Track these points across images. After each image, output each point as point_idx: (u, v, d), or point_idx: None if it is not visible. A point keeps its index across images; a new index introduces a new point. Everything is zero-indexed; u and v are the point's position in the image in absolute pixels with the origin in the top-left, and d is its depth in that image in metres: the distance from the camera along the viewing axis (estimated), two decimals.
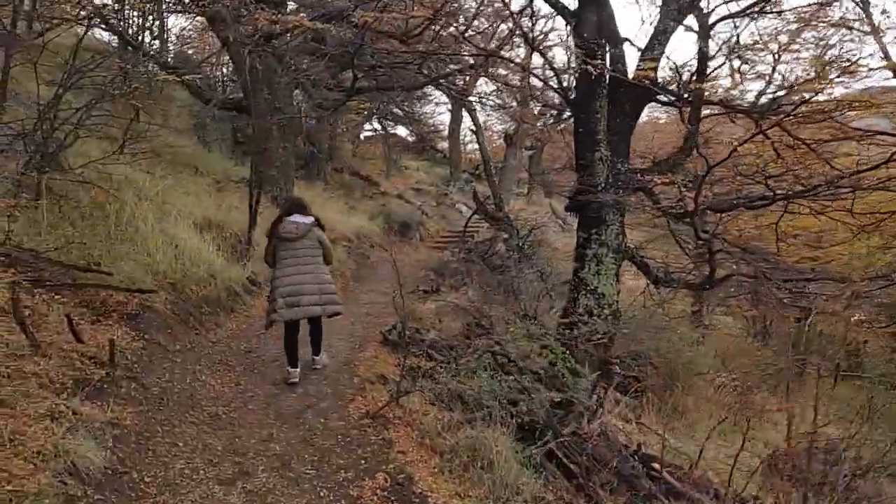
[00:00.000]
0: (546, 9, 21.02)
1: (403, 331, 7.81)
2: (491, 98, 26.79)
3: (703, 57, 8.06)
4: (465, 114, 32.41)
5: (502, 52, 12.62)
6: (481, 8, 14.09)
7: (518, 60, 10.14)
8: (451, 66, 17.75)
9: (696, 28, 8.40)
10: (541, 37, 17.74)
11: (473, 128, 23.74)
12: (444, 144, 38.33)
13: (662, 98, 8.71)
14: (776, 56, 8.28)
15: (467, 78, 18.74)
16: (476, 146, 40.80)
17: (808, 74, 7.49)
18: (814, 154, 8.01)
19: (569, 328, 7.97)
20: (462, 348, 9.06)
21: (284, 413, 6.18)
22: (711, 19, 8.33)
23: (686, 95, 8.38)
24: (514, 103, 31.61)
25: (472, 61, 16.53)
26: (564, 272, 17.97)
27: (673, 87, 8.46)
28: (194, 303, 8.40)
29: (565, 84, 9.63)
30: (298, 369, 6.91)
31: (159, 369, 6.55)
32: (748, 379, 12.71)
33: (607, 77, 8.08)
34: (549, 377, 7.82)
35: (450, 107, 32.19)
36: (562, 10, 8.72)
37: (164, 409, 5.81)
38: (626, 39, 8.51)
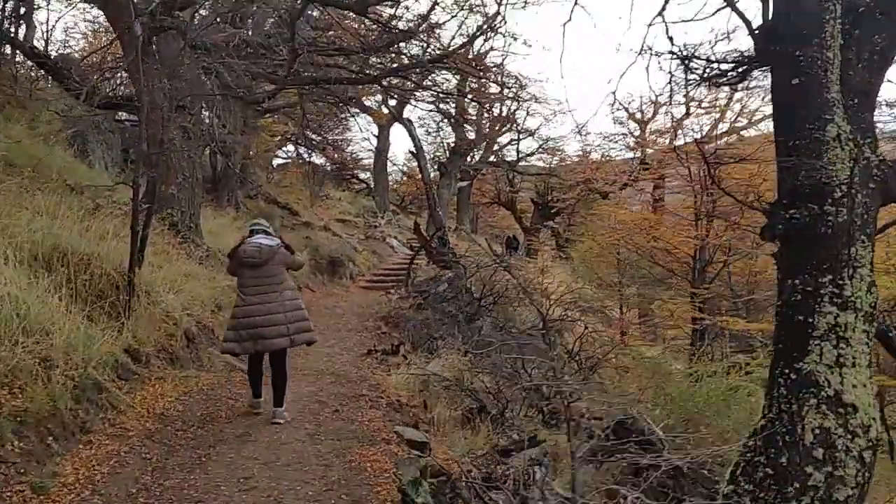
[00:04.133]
0: None
1: None
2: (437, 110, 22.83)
3: None
4: (391, 141, 28.20)
5: None
6: None
7: None
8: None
9: None
10: None
11: (413, 150, 19.44)
12: (364, 175, 33.84)
13: None
14: None
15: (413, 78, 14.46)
16: (402, 176, 36.61)
17: None
18: None
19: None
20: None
21: None
22: None
23: None
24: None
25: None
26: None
27: None
28: None
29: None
30: (262, 398, 6.05)
31: None
32: None
33: None
34: None
35: (375, 132, 27.83)
36: None
37: None
38: None
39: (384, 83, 14.02)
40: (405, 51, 13.42)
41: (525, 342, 11.69)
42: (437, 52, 12.73)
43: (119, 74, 14.87)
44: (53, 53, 16.73)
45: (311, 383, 8.15)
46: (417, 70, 12.74)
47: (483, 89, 20.49)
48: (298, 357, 8.81)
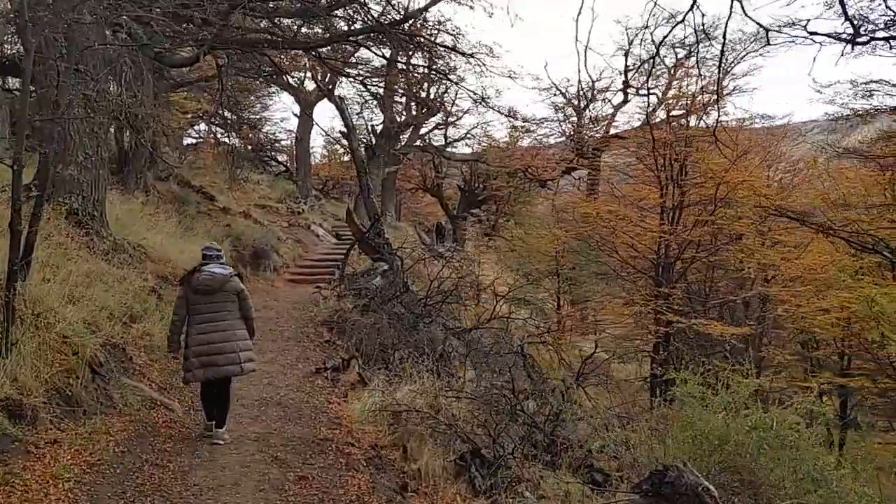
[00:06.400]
0: None
1: None
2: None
3: None
4: (314, 120, 25.94)
5: None
6: None
7: None
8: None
9: None
10: None
11: (343, 130, 17.50)
12: (283, 157, 31.41)
13: None
14: None
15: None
16: (323, 159, 34.23)
17: None
18: None
19: None
20: None
21: None
22: None
23: None
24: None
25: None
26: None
27: None
28: None
29: None
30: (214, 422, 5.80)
31: None
32: None
33: None
34: None
35: (297, 111, 25.50)
36: None
37: None
38: None
39: (321, 53, 12.04)
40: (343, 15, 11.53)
41: (492, 350, 10.22)
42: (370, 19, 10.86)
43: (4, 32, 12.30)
44: None
45: (254, 420, 6.40)
46: (363, 37, 10.84)
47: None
48: (234, 380, 6.97)
